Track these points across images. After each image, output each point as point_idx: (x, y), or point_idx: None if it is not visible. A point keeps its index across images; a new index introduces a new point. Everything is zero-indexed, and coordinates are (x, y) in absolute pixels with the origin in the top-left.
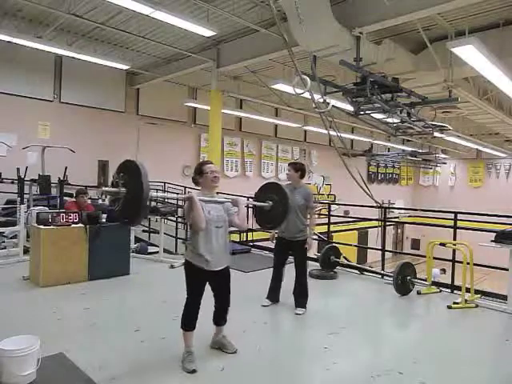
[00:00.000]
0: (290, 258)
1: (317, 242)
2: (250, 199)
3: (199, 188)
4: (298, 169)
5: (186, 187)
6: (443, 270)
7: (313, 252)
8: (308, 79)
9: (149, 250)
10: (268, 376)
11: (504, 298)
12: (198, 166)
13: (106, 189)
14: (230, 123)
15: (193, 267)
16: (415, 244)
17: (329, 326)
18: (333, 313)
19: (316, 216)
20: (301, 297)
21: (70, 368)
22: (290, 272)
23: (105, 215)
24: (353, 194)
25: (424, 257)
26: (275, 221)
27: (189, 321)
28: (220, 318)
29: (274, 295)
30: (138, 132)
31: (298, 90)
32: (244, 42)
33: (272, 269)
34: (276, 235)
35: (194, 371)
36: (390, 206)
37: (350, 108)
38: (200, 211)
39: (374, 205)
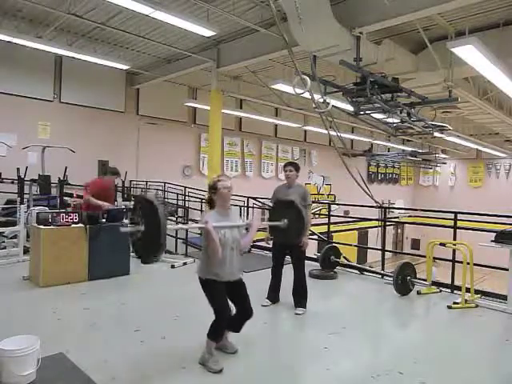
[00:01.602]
0: (288, 258)
1: (317, 241)
2: (255, 200)
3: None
4: (298, 168)
5: (185, 187)
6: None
7: (313, 252)
8: (308, 79)
9: None
10: (268, 376)
11: (504, 297)
12: (212, 184)
13: (125, 230)
14: (230, 123)
15: (208, 280)
16: (415, 244)
17: (329, 326)
18: (333, 313)
19: (311, 216)
20: (300, 297)
21: (70, 368)
22: (289, 272)
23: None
24: (353, 194)
25: (424, 257)
26: (290, 237)
27: (220, 331)
28: (238, 326)
29: (273, 295)
30: (138, 132)
31: (298, 90)
32: (244, 42)
33: (271, 269)
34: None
35: (221, 371)
36: (390, 206)
37: (350, 108)
38: (216, 241)
39: (374, 205)
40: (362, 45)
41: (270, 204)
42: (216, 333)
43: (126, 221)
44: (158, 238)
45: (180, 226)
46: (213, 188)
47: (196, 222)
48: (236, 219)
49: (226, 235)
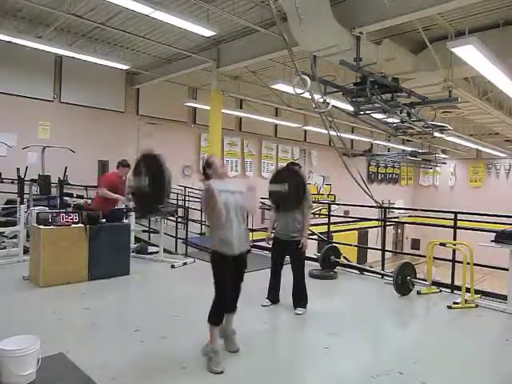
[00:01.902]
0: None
1: (317, 241)
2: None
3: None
4: (299, 168)
5: (186, 187)
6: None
7: (313, 252)
8: (308, 79)
9: (149, 250)
10: (268, 376)
11: (504, 297)
12: (205, 161)
13: (132, 184)
14: (230, 123)
15: (219, 256)
16: (415, 244)
17: (329, 326)
18: (333, 313)
19: (311, 216)
20: (300, 297)
21: (70, 368)
22: (289, 272)
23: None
24: (353, 194)
25: (424, 257)
26: (288, 204)
27: (219, 314)
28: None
29: (273, 295)
30: (138, 132)
31: (298, 90)
32: (244, 42)
33: (270, 269)
34: (272, 235)
35: (221, 373)
36: (390, 206)
37: (350, 108)
38: (219, 201)
39: (374, 205)
40: (362, 45)
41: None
42: (216, 314)
43: (126, 221)
44: (163, 187)
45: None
46: (207, 164)
47: (196, 221)
48: (235, 186)
49: (228, 199)
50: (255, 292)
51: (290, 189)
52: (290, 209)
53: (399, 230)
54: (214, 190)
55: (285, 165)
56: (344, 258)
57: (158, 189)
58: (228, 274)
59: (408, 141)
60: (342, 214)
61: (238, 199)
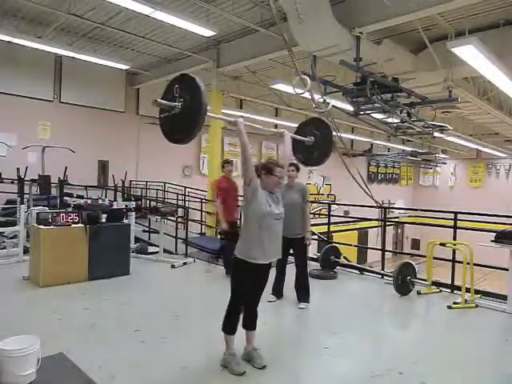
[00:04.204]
0: (291, 259)
1: (317, 241)
2: None
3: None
4: (298, 168)
5: (186, 187)
6: None
7: (313, 252)
8: (308, 79)
9: (149, 250)
10: (268, 376)
11: (504, 297)
12: (270, 165)
13: (161, 101)
14: None
15: (245, 265)
16: (415, 244)
17: (329, 326)
18: (333, 313)
19: (311, 216)
20: (303, 291)
21: (70, 368)
22: (290, 272)
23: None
24: (353, 194)
25: (424, 257)
26: (312, 159)
27: (231, 323)
28: (247, 321)
29: (278, 290)
30: (138, 132)
31: (298, 90)
32: (244, 42)
33: (275, 267)
34: None
35: (244, 373)
36: (390, 206)
37: (350, 108)
38: (246, 138)
39: (374, 205)
40: (362, 45)
41: None
42: (228, 322)
43: (126, 220)
44: (198, 113)
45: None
46: (269, 170)
47: (196, 221)
48: (279, 203)
49: (271, 206)
50: None
51: (316, 141)
52: (315, 163)
53: (399, 230)
54: (241, 126)
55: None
56: (344, 258)
57: (191, 115)
58: (246, 286)
59: (408, 141)
60: (341, 214)
61: (281, 210)
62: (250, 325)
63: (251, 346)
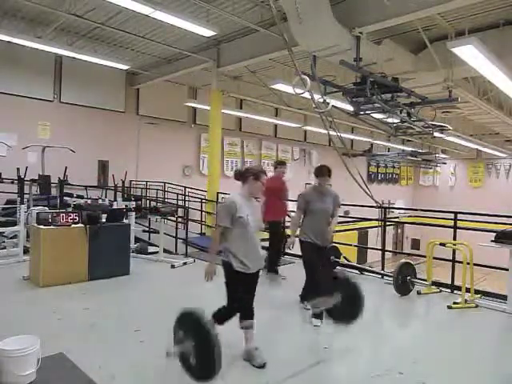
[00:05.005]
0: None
1: None
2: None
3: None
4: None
5: (186, 187)
6: None
7: None
8: (308, 79)
9: (149, 250)
10: (268, 376)
11: (504, 297)
12: (257, 172)
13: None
14: (230, 123)
15: (234, 272)
16: (415, 244)
17: (329, 325)
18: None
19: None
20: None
21: (70, 368)
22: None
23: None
24: (353, 194)
25: (424, 257)
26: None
27: (222, 320)
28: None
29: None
30: (138, 132)
31: (298, 90)
32: (244, 42)
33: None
34: (294, 239)
35: (265, 365)
36: (390, 206)
37: (350, 108)
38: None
39: (374, 205)
40: (362, 45)
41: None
42: (220, 318)
43: (126, 220)
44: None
45: None
46: (256, 176)
47: (196, 221)
48: (257, 210)
49: (248, 218)
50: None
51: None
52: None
53: (399, 230)
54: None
55: None
56: (344, 258)
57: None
58: (240, 285)
59: (408, 141)
60: (342, 214)
61: (257, 218)
62: (245, 317)
63: (251, 346)
